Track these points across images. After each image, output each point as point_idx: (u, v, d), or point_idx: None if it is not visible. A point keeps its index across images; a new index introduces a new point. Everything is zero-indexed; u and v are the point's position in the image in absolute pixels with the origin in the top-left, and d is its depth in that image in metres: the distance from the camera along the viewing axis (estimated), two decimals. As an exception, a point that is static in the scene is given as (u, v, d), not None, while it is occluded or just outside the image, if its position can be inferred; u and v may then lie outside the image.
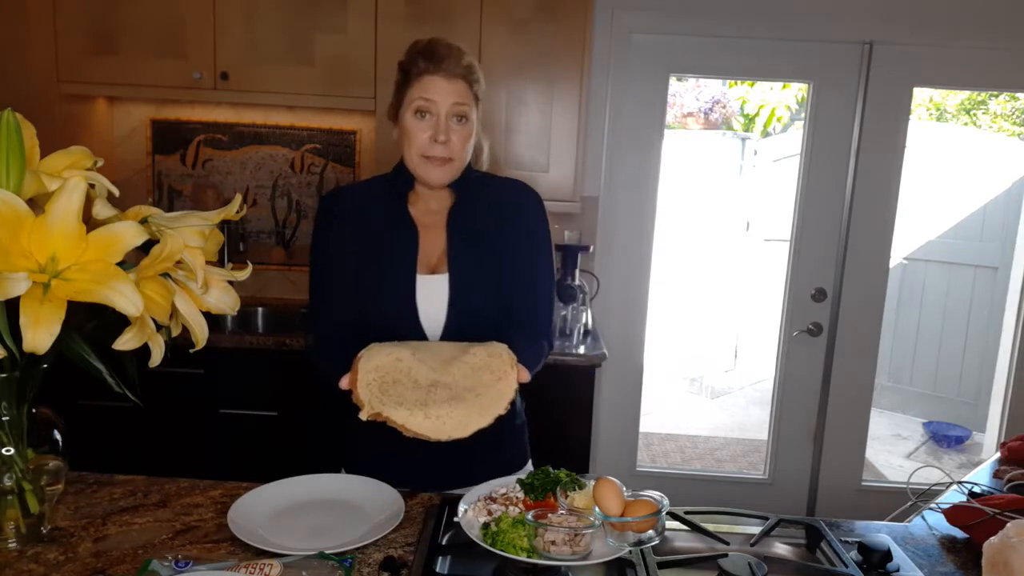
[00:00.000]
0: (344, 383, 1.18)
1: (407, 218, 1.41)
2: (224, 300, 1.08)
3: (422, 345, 1.24)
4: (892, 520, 1.35)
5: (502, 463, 1.42)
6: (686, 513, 1.23)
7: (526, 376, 1.22)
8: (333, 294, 1.42)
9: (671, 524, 1.21)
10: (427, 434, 1.10)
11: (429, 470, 1.34)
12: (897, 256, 4.62)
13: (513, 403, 1.36)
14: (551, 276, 1.48)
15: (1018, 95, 5.78)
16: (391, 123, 1.42)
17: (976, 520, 1.24)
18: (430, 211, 1.43)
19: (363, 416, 1.12)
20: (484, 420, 1.13)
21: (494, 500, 1.15)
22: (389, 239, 1.40)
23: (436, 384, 1.16)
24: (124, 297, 0.88)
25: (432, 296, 1.37)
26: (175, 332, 1.04)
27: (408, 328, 1.36)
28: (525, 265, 1.43)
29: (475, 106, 1.38)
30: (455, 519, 1.12)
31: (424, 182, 1.38)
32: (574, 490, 1.11)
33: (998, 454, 1.66)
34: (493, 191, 1.46)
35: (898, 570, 1.13)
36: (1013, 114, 6.30)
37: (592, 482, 1.10)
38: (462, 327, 1.36)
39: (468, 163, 1.42)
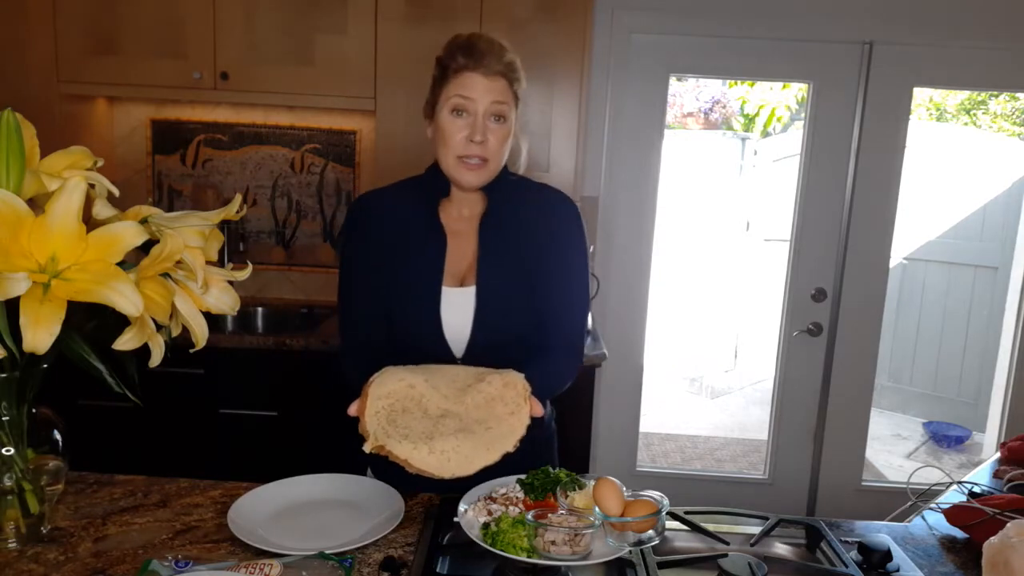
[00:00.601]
0: (352, 410, 1.14)
1: (437, 226, 1.36)
2: (224, 300, 1.08)
3: (437, 369, 1.20)
4: (892, 520, 1.35)
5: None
6: (686, 513, 1.23)
7: (539, 411, 1.16)
8: (362, 304, 1.39)
9: (671, 524, 1.20)
10: (431, 471, 1.06)
11: (456, 480, 1.22)
12: (897, 256, 4.62)
13: (542, 417, 1.31)
14: (585, 291, 1.42)
15: (1018, 95, 5.78)
16: (426, 121, 1.36)
17: (976, 520, 1.24)
18: (462, 217, 1.38)
19: (367, 449, 1.08)
20: (491, 457, 1.08)
21: (494, 500, 1.14)
22: (417, 248, 1.36)
23: (446, 414, 1.12)
24: (124, 297, 0.88)
25: (458, 310, 1.33)
26: (175, 332, 1.04)
27: (432, 341, 1.33)
28: (558, 279, 1.38)
29: (514, 106, 1.31)
30: (455, 519, 1.12)
31: (457, 184, 1.33)
32: (574, 490, 1.11)
33: (998, 454, 1.66)
34: (529, 198, 1.40)
35: (898, 570, 1.13)
36: (1013, 114, 6.30)
37: (592, 482, 1.09)
38: (488, 342, 1.33)
39: (504, 165, 1.37)
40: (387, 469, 1.26)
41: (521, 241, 1.37)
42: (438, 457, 1.07)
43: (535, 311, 1.36)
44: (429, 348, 1.32)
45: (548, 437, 1.49)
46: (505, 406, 1.13)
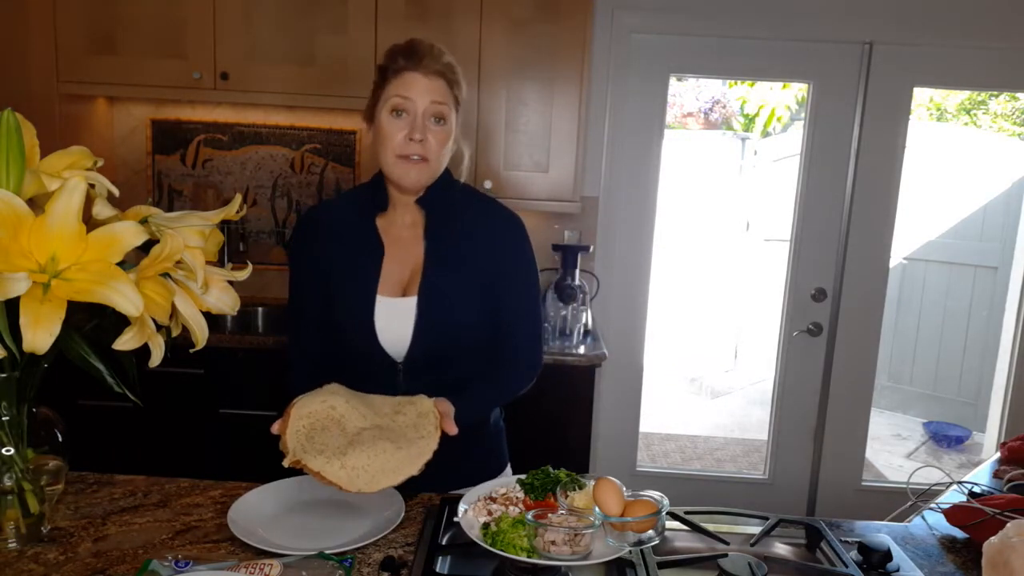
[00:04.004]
0: (275, 429, 1.17)
1: (374, 237, 1.37)
2: (224, 300, 1.08)
3: (359, 396, 1.25)
4: (892, 520, 1.35)
5: (479, 470, 1.43)
6: (686, 513, 1.23)
7: (453, 430, 1.21)
8: (306, 313, 1.42)
9: (671, 524, 1.21)
10: (340, 484, 1.11)
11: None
12: (897, 256, 4.62)
13: (489, 416, 1.47)
14: (537, 304, 1.43)
15: (1018, 95, 5.78)
16: (366, 125, 1.36)
17: (976, 520, 1.24)
18: (406, 225, 1.38)
19: (285, 464, 1.13)
20: (396, 479, 1.13)
21: (494, 500, 1.14)
22: (354, 259, 1.37)
23: (361, 434, 1.16)
24: (124, 297, 0.87)
25: (397, 319, 1.33)
26: (175, 332, 1.04)
27: (370, 350, 1.34)
28: (511, 294, 1.38)
29: (455, 108, 1.32)
30: (455, 519, 1.12)
31: (398, 184, 1.33)
32: (574, 490, 1.11)
33: (998, 454, 1.66)
34: (475, 210, 1.40)
35: (898, 570, 1.13)
36: (1013, 114, 6.29)
37: (592, 482, 1.09)
38: (429, 351, 1.34)
39: (447, 173, 1.37)
40: None
41: (469, 252, 1.36)
42: (348, 472, 1.11)
43: (486, 324, 1.37)
44: (369, 357, 1.34)
45: (497, 433, 1.52)
46: (416, 431, 1.19)
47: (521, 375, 1.42)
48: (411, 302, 1.34)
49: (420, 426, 1.20)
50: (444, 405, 1.24)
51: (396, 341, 1.34)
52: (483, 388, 1.38)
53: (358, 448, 1.13)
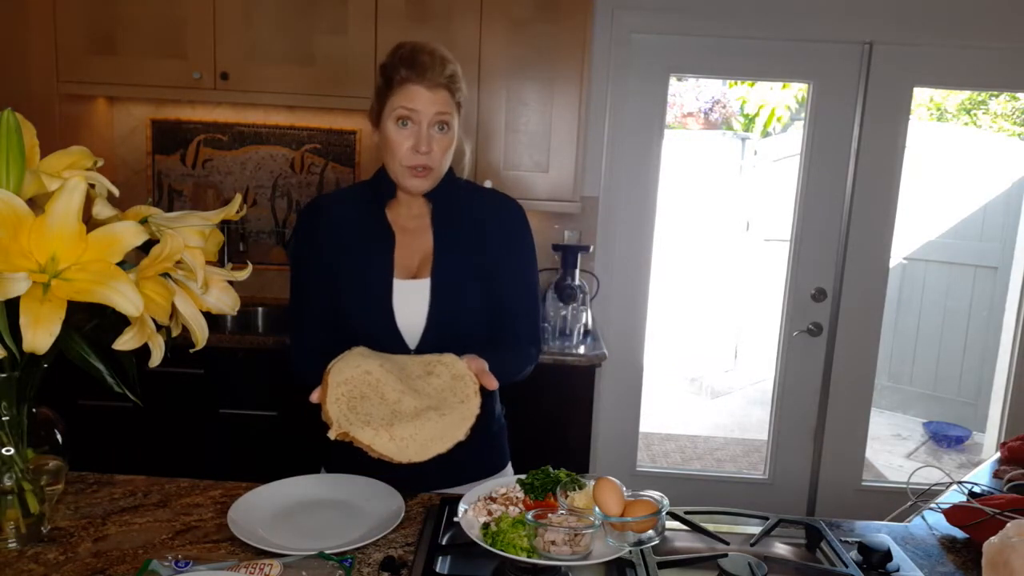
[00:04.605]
0: (314, 397, 1.18)
1: (384, 224, 1.41)
2: (224, 300, 1.08)
3: (388, 357, 1.25)
4: (892, 520, 1.35)
5: (481, 466, 1.46)
6: (686, 513, 1.23)
7: (493, 384, 1.23)
8: (311, 306, 1.43)
9: (671, 524, 1.21)
10: (391, 456, 1.12)
11: (409, 472, 1.23)
12: (897, 256, 4.62)
13: (492, 412, 1.48)
14: (537, 289, 1.48)
15: (1018, 95, 5.78)
16: (372, 127, 1.39)
17: (976, 520, 1.24)
18: (412, 215, 1.43)
19: (331, 435, 1.12)
20: (444, 446, 1.15)
21: (494, 500, 1.15)
22: (366, 246, 1.40)
23: (402, 401, 1.17)
24: (124, 297, 0.88)
25: (411, 301, 1.37)
26: (175, 332, 1.04)
27: (386, 333, 1.36)
28: (514, 279, 1.43)
29: (457, 113, 1.36)
30: (455, 519, 1.13)
31: (404, 190, 1.38)
32: (574, 490, 1.11)
33: (998, 454, 1.66)
34: (478, 200, 1.46)
35: (898, 570, 1.13)
36: (1013, 114, 6.29)
37: (592, 482, 1.09)
38: (441, 333, 1.36)
39: (450, 171, 1.42)
40: (341, 466, 1.35)
41: (474, 240, 1.41)
42: (397, 443, 1.12)
43: (490, 309, 1.41)
44: (383, 341, 1.35)
45: (499, 430, 1.53)
46: (455, 395, 1.20)
47: (530, 354, 1.45)
48: (424, 283, 1.37)
49: (457, 389, 1.20)
50: (477, 362, 1.25)
51: (411, 324, 1.37)
52: (503, 356, 1.37)
53: (403, 418, 1.14)
